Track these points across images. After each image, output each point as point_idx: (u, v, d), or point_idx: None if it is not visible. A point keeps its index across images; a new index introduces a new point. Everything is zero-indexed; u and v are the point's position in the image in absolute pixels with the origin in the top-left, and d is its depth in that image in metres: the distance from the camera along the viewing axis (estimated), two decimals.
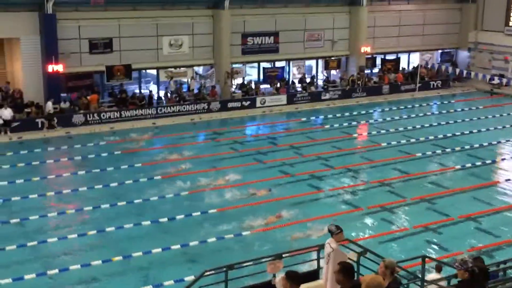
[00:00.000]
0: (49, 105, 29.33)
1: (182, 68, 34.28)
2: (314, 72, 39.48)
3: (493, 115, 33.52)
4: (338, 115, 33.67)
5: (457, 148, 27.08)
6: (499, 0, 41.15)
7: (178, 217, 18.91)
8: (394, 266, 7.80)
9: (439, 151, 26.71)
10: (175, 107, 32.56)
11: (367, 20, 38.82)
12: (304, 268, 11.84)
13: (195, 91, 34.18)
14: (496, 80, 39.56)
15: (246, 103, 34.40)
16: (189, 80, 34.68)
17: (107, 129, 29.78)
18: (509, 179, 23.29)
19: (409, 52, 42.38)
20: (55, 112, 29.62)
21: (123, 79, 32.17)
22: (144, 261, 16.13)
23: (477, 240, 17.69)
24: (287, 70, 38.24)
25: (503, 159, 26.40)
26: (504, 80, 39.27)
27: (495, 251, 16.67)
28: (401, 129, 30.46)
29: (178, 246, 16.87)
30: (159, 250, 16.49)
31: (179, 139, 28.27)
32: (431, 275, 12.23)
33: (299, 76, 37.97)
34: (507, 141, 28.61)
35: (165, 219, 18.75)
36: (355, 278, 7.96)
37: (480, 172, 24.10)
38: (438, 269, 12.42)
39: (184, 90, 34.33)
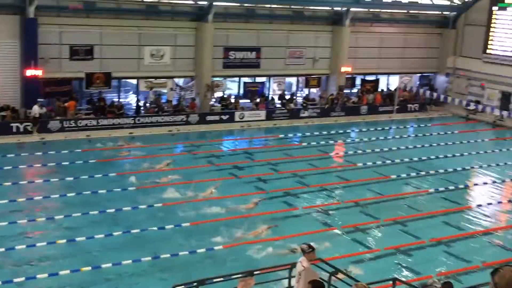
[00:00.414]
0: (35, 109, 29.08)
1: (162, 79, 34.21)
2: (294, 89, 39.68)
3: (468, 140, 33.95)
4: (316, 133, 33.84)
5: (432, 172, 27.34)
6: (478, 27, 41.83)
7: (150, 228, 18.76)
8: None
9: (413, 174, 26.92)
10: (153, 117, 32.44)
11: (349, 41, 39.19)
12: (275, 286, 11.82)
13: (174, 102, 34.11)
14: (472, 106, 40.14)
15: (225, 117, 34.42)
16: (168, 91, 34.61)
17: (83, 137, 29.55)
18: (480, 205, 23.55)
19: (388, 74, 42.84)
20: (40, 116, 29.38)
21: (103, 87, 31.99)
22: (114, 272, 15.95)
23: (447, 264, 17.81)
24: (268, 86, 38.38)
25: (475, 185, 26.70)
26: (480, 106, 39.85)
27: (464, 276, 16.79)
28: (377, 150, 30.69)
29: (149, 258, 16.72)
30: (130, 261, 16.32)
31: (156, 150, 28.13)
32: None
33: (279, 92, 38.13)
34: (480, 167, 28.95)
35: (138, 230, 18.58)
36: None
37: (452, 197, 24.32)
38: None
39: (163, 101, 34.25)
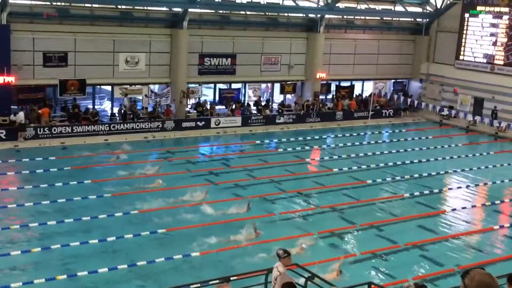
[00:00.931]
0: (21, 115, 28.96)
1: (137, 86, 34.08)
2: (269, 95, 39.81)
3: (442, 145, 34.36)
4: (291, 139, 33.96)
5: (407, 177, 27.59)
6: (450, 34, 42.43)
7: (126, 236, 18.61)
8: None
9: (389, 179, 27.15)
10: (128, 124, 32.27)
11: (323, 47, 39.46)
12: None
13: (150, 109, 33.98)
14: (446, 112, 40.66)
15: (200, 123, 34.38)
16: (144, 97, 34.47)
17: (58, 144, 29.27)
18: (455, 209, 23.81)
19: (363, 80, 43.21)
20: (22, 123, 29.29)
21: (77, 93, 31.74)
22: (90, 280, 15.77)
23: (422, 268, 17.97)
24: (243, 92, 38.44)
25: (450, 189, 27.01)
26: (453, 112, 40.41)
27: (439, 280, 16.96)
28: (353, 155, 30.89)
29: (125, 266, 16.58)
30: (106, 269, 16.17)
31: (132, 157, 27.96)
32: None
33: (255, 98, 38.22)
34: (454, 171, 29.31)
35: (113, 238, 18.43)
36: None
37: (427, 201, 24.56)
38: None
39: (139, 107, 34.09)
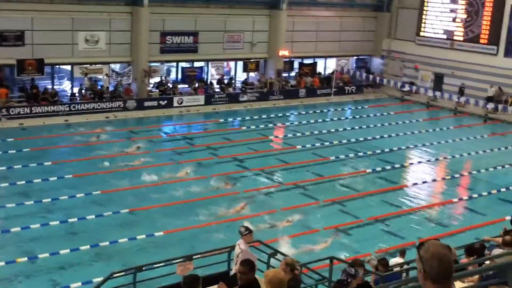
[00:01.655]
0: None
1: (98, 65, 33.49)
2: (232, 73, 39.60)
3: (403, 121, 34.77)
4: (255, 117, 33.93)
5: (369, 152, 27.88)
6: (411, 11, 42.73)
7: (88, 217, 18.44)
8: (294, 264, 8.02)
9: (351, 155, 27.38)
10: (89, 104, 31.77)
11: (286, 24, 39.32)
12: (214, 270, 11.81)
13: (111, 88, 33.49)
14: (407, 87, 41.10)
15: (163, 103, 34.03)
16: (104, 77, 33.93)
17: (16, 125, 28.65)
18: (416, 183, 24.20)
19: (325, 57, 43.28)
20: None
21: (35, 73, 31.04)
22: (51, 262, 15.61)
23: (384, 242, 18.25)
24: (206, 70, 38.15)
25: (411, 164, 27.41)
26: (414, 88, 40.88)
27: None
28: (316, 132, 31.05)
29: (87, 247, 16.44)
30: (67, 251, 16.01)
31: (93, 137, 27.57)
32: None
33: (218, 77, 37.97)
34: (415, 146, 29.73)
35: (75, 219, 18.23)
36: None
37: (389, 176, 24.90)
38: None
39: (100, 87, 33.55)
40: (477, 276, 8.98)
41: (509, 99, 36.81)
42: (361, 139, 30.13)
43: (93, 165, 23.28)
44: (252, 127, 31.63)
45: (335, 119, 35.21)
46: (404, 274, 11.46)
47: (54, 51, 31.47)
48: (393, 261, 12.83)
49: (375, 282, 11.12)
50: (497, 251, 10.33)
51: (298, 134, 30.73)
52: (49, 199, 19.62)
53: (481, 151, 29.07)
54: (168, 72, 37.09)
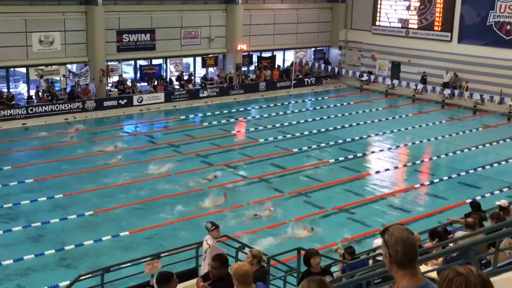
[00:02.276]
0: None
1: (54, 66, 32.94)
2: (191, 69, 39.42)
3: (363, 110, 35.16)
4: (216, 112, 33.89)
5: (331, 143, 28.10)
6: (366, 1, 43.18)
7: (52, 221, 18.18)
8: (261, 256, 8.09)
9: (314, 146, 27.59)
10: (47, 106, 31.24)
11: (242, 18, 39.32)
12: (184, 266, 11.80)
13: (68, 89, 32.99)
14: (365, 77, 41.59)
15: (122, 102, 33.69)
16: (61, 78, 33.39)
17: None
18: (378, 171, 24.54)
19: (284, 50, 43.45)
20: None
21: None
22: (16, 268, 15.34)
23: (350, 231, 18.45)
24: (164, 67, 37.90)
25: (372, 152, 27.75)
26: (372, 77, 41.39)
27: (366, 240, 17.48)
28: (277, 125, 31.18)
29: (52, 251, 16.22)
30: (32, 256, 15.75)
31: (52, 140, 27.14)
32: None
33: (177, 73, 37.76)
34: (376, 134, 30.11)
35: (38, 224, 17.94)
36: None
37: (352, 165, 25.18)
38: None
39: (57, 88, 33.01)
40: (441, 259, 9.19)
41: (464, 85, 37.58)
42: (323, 130, 30.37)
43: (54, 169, 22.90)
44: (214, 122, 31.58)
45: (296, 111, 35.41)
46: (370, 261, 11.62)
47: (7, 54, 30.88)
48: (375, 242, 12.79)
49: (342, 270, 11.28)
50: (459, 234, 10.57)
51: (260, 128, 30.81)
52: (10, 204, 19.26)
53: (440, 137, 29.62)
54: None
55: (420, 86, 38.71)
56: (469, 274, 3.10)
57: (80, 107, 32.14)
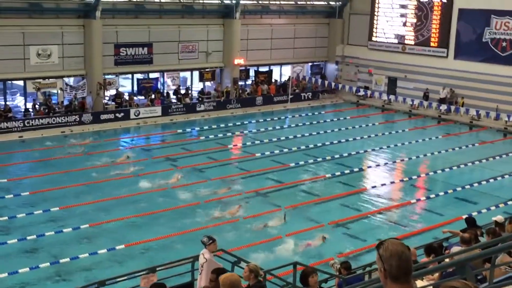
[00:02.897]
0: None
1: (51, 79, 33.00)
2: (189, 83, 39.50)
3: (360, 125, 35.25)
4: (213, 126, 33.94)
5: (328, 157, 28.14)
6: (363, 16, 43.43)
7: (48, 233, 18.12)
8: (258, 270, 8.06)
9: (311, 161, 27.60)
10: (44, 119, 31.25)
11: (240, 33, 39.50)
12: (179, 280, 11.77)
13: (65, 102, 33.02)
14: (362, 92, 41.74)
15: (119, 115, 33.72)
16: (59, 91, 33.42)
17: None
18: (375, 186, 24.55)
19: (281, 64, 43.62)
20: None
21: None
22: (11, 282, 15.27)
23: (346, 245, 18.43)
24: (162, 81, 37.98)
25: (369, 167, 27.79)
26: (369, 92, 41.54)
27: (362, 255, 17.46)
28: (274, 139, 31.22)
29: (47, 264, 16.16)
30: (27, 269, 15.69)
31: (49, 153, 27.10)
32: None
33: (174, 87, 37.84)
34: (372, 149, 30.16)
35: (34, 237, 17.88)
36: None
37: (348, 180, 25.19)
38: None
39: (54, 101, 33.04)
40: (437, 274, 9.18)
41: (460, 100, 37.73)
42: (319, 144, 30.42)
43: (50, 182, 22.88)
44: (211, 136, 31.60)
45: (292, 125, 35.48)
46: (366, 276, 11.61)
47: (5, 66, 30.93)
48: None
49: (339, 285, 11.26)
50: (455, 249, 10.57)
51: (257, 142, 30.85)
52: (6, 217, 19.21)
53: (436, 152, 29.69)
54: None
55: (416, 101, 38.83)
56: None
57: (77, 120, 32.15)
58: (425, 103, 38.32)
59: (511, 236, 9.04)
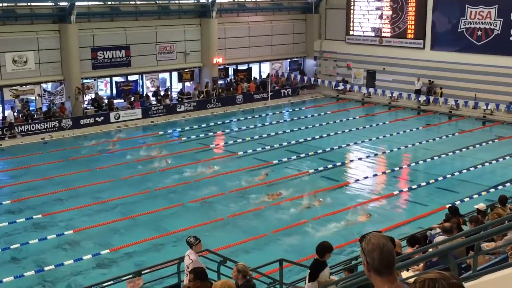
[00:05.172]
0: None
1: (28, 86, 32.67)
2: (168, 84, 39.34)
3: (340, 119, 35.37)
4: (194, 126, 33.84)
5: (310, 153, 28.18)
6: (339, 11, 43.53)
7: (31, 241, 17.95)
8: (246, 270, 8.05)
9: (294, 157, 27.62)
10: (23, 126, 30.94)
11: (217, 32, 39.42)
12: (165, 283, 11.73)
13: (44, 108, 32.72)
14: (341, 86, 41.88)
15: (99, 119, 33.50)
16: (37, 97, 33.11)
17: None
18: (358, 179, 24.65)
19: (259, 62, 43.61)
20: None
21: None
22: None
23: (331, 240, 18.36)
24: (141, 83, 37.79)
25: (351, 161, 27.90)
26: (348, 86, 41.69)
27: (347, 249, 17.50)
28: (256, 137, 31.21)
29: (32, 273, 16.00)
30: (11, 278, 15.53)
31: (28, 161, 26.83)
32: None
33: (153, 89, 37.67)
34: (354, 143, 30.27)
35: (17, 245, 17.71)
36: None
37: (331, 174, 25.27)
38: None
39: (32, 108, 32.72)
40: (421, 265, 9.24)
41: (438, 91, 38.01)
42: (301, 140, 30.48)
43: (32, 189, 22.67)
44: (192, 137, 31.51)
45: (274, 122, 35.50)
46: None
47: None
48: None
49: None
50: (439, 239, 10.65)
51: (239, 140, 30.81)
52: None
53: (417, 143, 29.88)
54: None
55: (396, 93, 39.03)
56: (442, 279, 3.14)
57: (56, 126, 31.87)
58: (404, 94, 38.48)
59: (493, 223, 9.12)
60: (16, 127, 30.55)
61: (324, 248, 9.14)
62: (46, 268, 16.22)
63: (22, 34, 32.04)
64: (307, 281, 9.02)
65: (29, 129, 31.04)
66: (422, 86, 38.57)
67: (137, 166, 26.09)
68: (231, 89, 40.25)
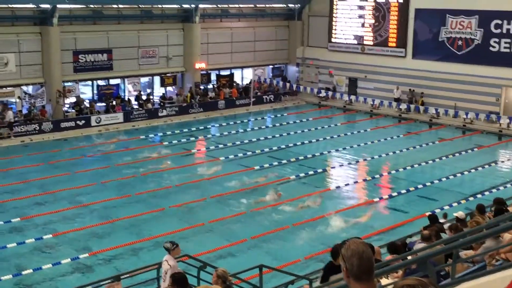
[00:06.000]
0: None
1: (9, 88, 32.37)
2: (150, 89, 39.19)
3: (322, 126, 35.50)
4: (176, 131, 33.75)
5: (292, 159, 28.23)
6: (322, 18, 43.74)
7: (9, 245, 17.75)
8: (226, 276, 8.04)
9: (275, 163, 27.64)
10: (1, 129, 30.60)
11: (200, 37, 39.40)
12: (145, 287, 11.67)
13: (24, 111, 32.43)
14: (323, 93, 42.05)
15: (80, 122, 33.26)
16: (17, 100, 32.80)
17: None
18: (339, 186, 24.73)
19: (242, 67, 43.66)
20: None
21: None
22: None
23: (311, 247, 18.48)
24: (122, 87, 37.61)
25: (333, 167, 28.00)
26: (330, 93, 41.87)
27: (327, 256, 17.49)
28: (238, 143, 31.19)
29: (9, 277, 15.81)
30: None
31: (7, 164, 26.54)
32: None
33: (135, 93, 37.51)
34: (336, 150, 30.37)
35: None
36: None
37: (313, 181, 25.32)
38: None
39: (13, 111, 32.39)
40: (401, 272, 9.29)
41: (419, 99, 38.32)
42: (283, 146, 30.54)
43: (10, 192, 22.44)
44: (174, 141, 31.41)
45: (256, 128, 35.53)
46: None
47: None
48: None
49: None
50: (418, 246, 10.72)
51: (221, 146, 30.78)
52: None
53: (398, 151, 30.07)
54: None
55: (377, 101, 39.26)
56: (420, 285, 3.17)
57: (36, 129, 31.59)
58: (385, 102, 38.72)
59: (472, 231, 9.21)
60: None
61: (338, 252, 9.09)
62: (24, 272, 16.06)
63: (2, 36, 31.75)
64: (318, 282, 9.01)
65: (9, 132, 30.70)
66: (401, 95, 38.88)
67: (118, 170, 25.93)
68: (207, 95, 39.99)
